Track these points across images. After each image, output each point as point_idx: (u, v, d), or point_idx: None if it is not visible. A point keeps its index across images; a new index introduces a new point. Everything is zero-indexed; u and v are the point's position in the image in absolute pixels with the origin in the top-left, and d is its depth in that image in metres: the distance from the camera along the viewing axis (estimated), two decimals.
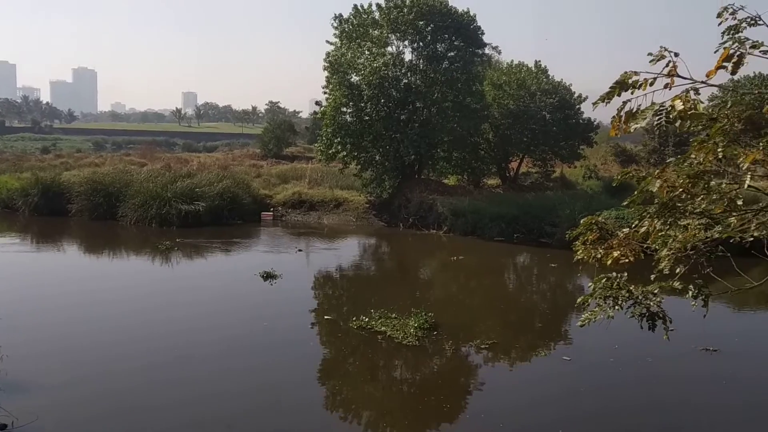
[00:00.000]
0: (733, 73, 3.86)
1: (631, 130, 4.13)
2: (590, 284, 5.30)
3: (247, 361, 13.42)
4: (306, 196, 35.70)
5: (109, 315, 16.53)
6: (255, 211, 33.80)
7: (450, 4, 34.30)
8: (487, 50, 37.38)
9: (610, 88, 4.03)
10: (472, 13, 34.81)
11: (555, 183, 38.88)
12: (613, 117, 4.17)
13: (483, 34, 35.35)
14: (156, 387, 11.95)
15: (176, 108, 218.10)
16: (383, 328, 14.75)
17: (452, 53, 34.22)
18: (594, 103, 4.12)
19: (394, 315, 15.41)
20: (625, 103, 3.98)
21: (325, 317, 16.79)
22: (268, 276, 20.08)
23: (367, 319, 15.28)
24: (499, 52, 46.21)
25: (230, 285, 20.52)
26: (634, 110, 3.97)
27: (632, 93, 3.92)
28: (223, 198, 32.27)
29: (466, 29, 34.35)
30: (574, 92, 38.21)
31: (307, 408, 11.32)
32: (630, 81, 3.88)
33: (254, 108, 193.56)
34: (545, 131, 36.73)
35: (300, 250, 26.17)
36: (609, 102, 4.21)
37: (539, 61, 38.93)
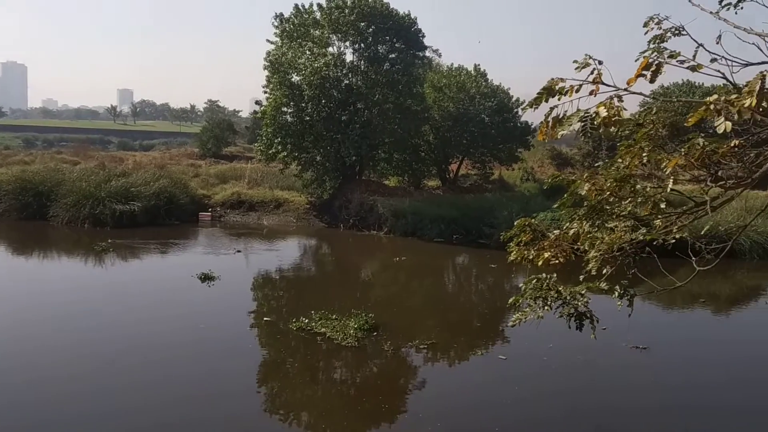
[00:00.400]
0: (652, 81, 4.02)
1: (558, 136, 4.25)
2: (522, 285, 5.43)
3: (182, 364, 13.13)
4: (245, 197, 35.29)
5: (32, 321, 15.89)
6: (193, 211, 33.20)
7: (391, 7, 34.49)
8: (427, 53, 37.74)
9: (538, 94, 4.15)
10: (413, 16, 35.09)
11: (493, 185, 39.58)
12: (541, 122, 4.29)
13: (423, 36, 35.72)
14: (79, 397, 11.46)
15: (111, 105, 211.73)
16: (323, 330, 14.70)
17: (393, 55, 34.43)
18: (522, 108, 4.23)
19: (334, 316, 15.37)
20: (552, 108, 4.10)
21: (265, 319, 16.61)
22: (205, 278, 19.73)
23: (307, 321, 15.19)
24: (440, 55, 46.62)
25: (166, 287, 20.06)
26: (561, 116, 4.09)
27: (559, 99, 4.04)
28: (160, 198, 31.56)
29: (407, 32, 34.61)
30: (512, 96, 39.04)
31: (246, 410, 11.17)
32: (557, 87, 3.99)
33: (193, 106, 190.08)
34: (484, 134, 37.36)
35: (239, 251, 25.83)
36: (537, 107, 4.32)
37: (478, 65, 39.66)
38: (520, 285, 5.54)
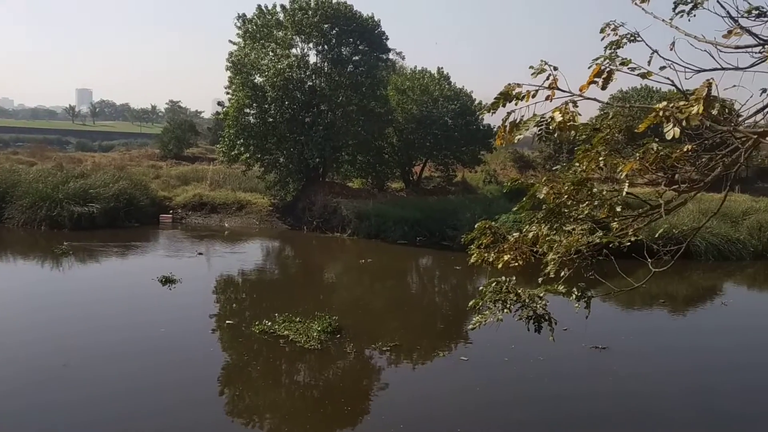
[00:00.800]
0: (603, 88, 4.11)
1: (515, 141, 4.31)
2: (482, 288, 5.48)
3: (142, 371, 12.88)
4: (207, 198, 34.90)
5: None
6: (153, 213, 32.70)
7: (355, 9, 34.50)
8: (391, 55, 37.87)
9: (495, 99, 4.20)
10: (376, 19, 35.15)
11: (456, 187, 39.86)
12: (499, 127, 4.34)
13: (387, 39, 35.81)
14: (29, 413, 11.05)
15: (70, 105, 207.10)
16: (286, 332, 14.64)
17: (357, 57, 34.45)
18: (480, 113, 4.27)
19: (298, 319, 15.31)
20: (509, 113, 4.16)
21: (227, 322, 16.45)
22: (167, 281, 19.47)
23: (270, 323, 15.11)
24: (403, 58, 47.01)
25: (126, 291, 19.72)
26: (518, 121, 4.15)
27: (516, 104, 4.09)
28: (120, 200, 31.02)
29: (370, 34, 34.66)
30: (475, 99, 39.34)
31: (209, 416, 11.05)
32: (513, 93, 4.05)
33: (154, 107, 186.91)
34: (447, 136, 37.60)
35: (200, 254, 25.54)
36: (495, 112, 4.38)
37: (441, 68, 39.89)
38: (480, 288, 5.59)
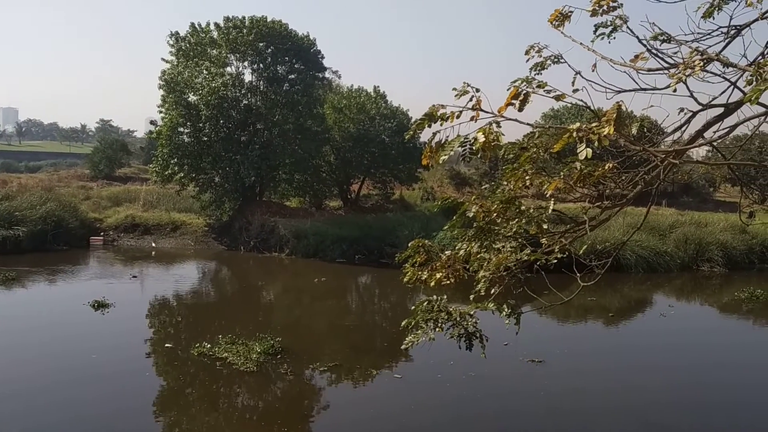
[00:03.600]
0: (520, 109, 4.23)
1: (440, 161, 4.37)
2: (413, 307, 5.50)
3: (74, 401, 12.42)
4: (140, 220, 34.07)
5: None
6: (83, 235, 31.72)
7: (290, 28, 34.46)
8: (327, 74, 37.94)
9: (420, 119, 4.26)
10: (312, 38, 35.20)
11: (395, 205, 40.09)
12: (424, 148, 4.40)
13: (323, 58, 35.92)
14: None
15: None
16: (225, 354, 14.38)
17: (293, 76, 34.40)
18: (406, 134, 4.31)
19: (241, 341, 15.05)
20: (434, 134, 4.22)
21: (166, 345, 16.02)
22: (99, 305, 18.84)
23: (210, 346, 14.81)
24: (339, 77, 46.98)
25: (55, 317, 18.96)
26: (443, 141, 4.22)
27: (441, 125, 4.16)
28: (47, 222, 29.98)
29: (306, 53, 34.69)
30: (411, 117, 39.75)
31: None
32: (438, 113, 4.12)
33: (83, 126, 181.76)
34: (385, 154, 37.84)
35: (134, 277, 24.84)
36: (420, 132, 4.44)
37: (378, 86, 40.18)
38: (412, 307, 5.62)
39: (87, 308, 18.66)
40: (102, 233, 32.73)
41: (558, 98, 4.38)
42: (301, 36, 34.74)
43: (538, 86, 4.30)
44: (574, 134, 3.80)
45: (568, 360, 16.02)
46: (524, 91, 4.16)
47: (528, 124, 4.19)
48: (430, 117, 4.11)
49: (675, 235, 29.10)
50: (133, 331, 17.65)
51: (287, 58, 34.16)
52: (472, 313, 5.18)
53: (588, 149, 3.77)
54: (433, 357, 14.38)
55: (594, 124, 3.83)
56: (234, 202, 34.23)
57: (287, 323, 19.14)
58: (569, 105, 34.00)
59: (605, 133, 3.72)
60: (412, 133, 4.51)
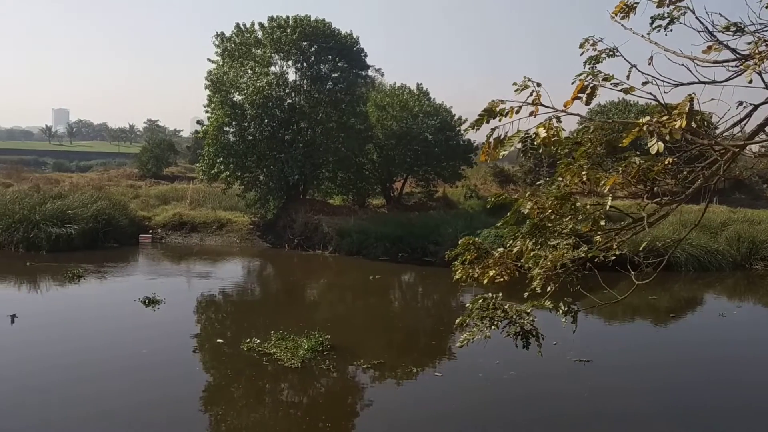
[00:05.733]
0: (588, 103, 4.13)
1: (500, 157, 4.31)
2: (468, 304, 5.44)
3: (125, 393, 12.69)
4: (187, 218, 34.59)
5: None
6: (133, 233, 32.30)
7: (333, 26, 34.63)
8: (370, 72, 37.98)
9: (479, 115, 4.20)
10: (355, 36, 35.30)
11: (438, 202, 39.94)
12: (483, 143, 4.34)
13: (366, 56, 35.95)
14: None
15: (46, 125, 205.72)
16: (273, 350, 14.53)
17: (336, 74, 34.53)
18: (464, 130, 4.26)
19: (290, 337, 15.19)
20: (493, 130, 4.15)
21: (218, 340, 16.27)
22: (149, 302, 19.22)
23: (258, 341, 15.00)
24: (382, 74, 47.04)
25: (108, 312, 19.43)
26: (502, 137, 4.15)
27: (500, 120, 4.10)
28: (98, 220, 30.62)
29: (349, 51, 34.77)
30: (455, 114, 39.56)
31: None
32: (497, 109, 4.05)
33: (132, 126, 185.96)
34: (427, 152, 37.71)
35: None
36: (478, 129, 4.38)
37: (421, 84, 40.07)
38: (467, 304, 5.56)
39: (138, 304, 19.05)
40: (150, 231, 33.37)
41: (626, 91, 4.27)
42: (344, 34, 34.85)
43: (605, 79, 4.20)
44: (644, 128, 3.69)
45: (616, 360, 15.72)
46: (591, 84, 4.06)
47: (589, 118, 4.08)
48: (490, 112, 4.05)
49: (727, 233, 28.29)
50: (182, 326, 17.96)
51: (330, 57, 34.30)
52: (528, 310, 5.11)
53: (659, 143, 3.66)
54: (476, 356, 14.28)
55: (665, 117, 3.71)
56: (278, 201, 34.55)
57: (331, 320, 19.21)
58: (616, 101, 33.12)
59: (677, 126, 3.60)
60: (469, 128, 4.45)
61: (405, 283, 26.71)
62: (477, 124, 4.29)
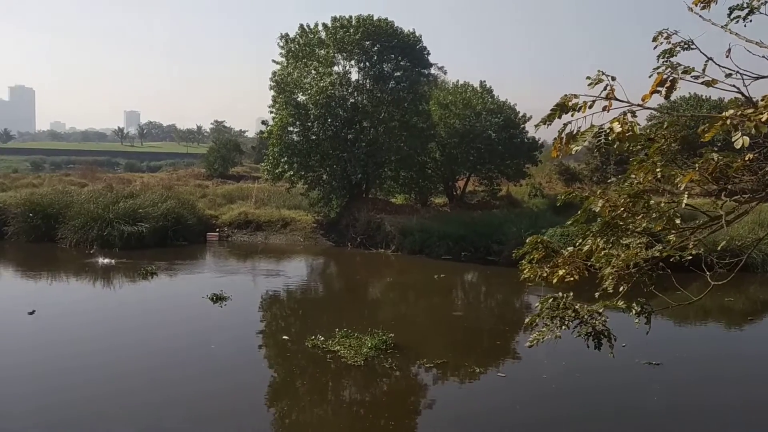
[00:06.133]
0: (667, 97, 3.98)
1: (572, 152, 4.20)
2: (537, 304, 5.35)
3: (192, 387, 13.10)
4: (252, 216, 35.27)
5: (44, 343, 15.94)
6: (200, 231, 33.17)
7: (396, 25, 34.66)
8: (432, 70, 37.84)
9: (551, 110, 4.10)
10: (417, 34, 35.25)
11: (501, 201, 39.47)
12: (555, 139, 4.24)
13: (429, 54, 35.84)
14: (90, 418, 11.47)
15: (118, 127, 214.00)
16: (337, 348, 14.67)
17: (398, 73, 34.53)
18: (536, 126, 4.18)
19: (355, 335, 15.31)
20: (565, 125, 4.05)
21: (283, 337, 16.53)
22: (217, 298, 19.71)
23: (323, 338, 15.17)
24: (445, 72, 46.83)
25: (178, 308, 20.08)
26: (575, 132, 4.04)
27: (572, 115, 3.99)
28: (168, 219, 31.57)
29: (412, 50, 34.74)
30: (519, 112, 39.00)
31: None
32: (570, 104, 3.95)
33: (199, 127, 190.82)
34: (491, 150, 37.30)
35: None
36: (550, 124, 4.28)
37: (484, 81, 39.68)
38: (532, 302, 5.47)
39: (206, 301, 19.55)
40: (217, 229, 34.17)
41: (708, 84, 4.10)
42: (406, 33, 34.85)
43: (684, 72, 4.05)
44: (728, 121, 3.53)
45: (687, 364, 15.20)
46: (670, 78, 3.92)
47: (661, 111, 3.94)
48: (562, 107, 3.96)
49: None
50: (248, 323, 18.35)
51: (393, 56, 34.35)
52: (600, 310, 4.97)
53: (745, 137, 3.49)
54: (540, 357, 14.08)
55: (749, 110, 3.55)
56: (341, 199, 34.85)
57: (394, 319, 19.24)
58: (687, 96, 31.89)
59: (764, 119, 3.43)
60: (541, 124, 4.37)
61: (468, 283, 26.52)
62: (549, 119, 4.20)
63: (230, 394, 12.71)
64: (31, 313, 17.80)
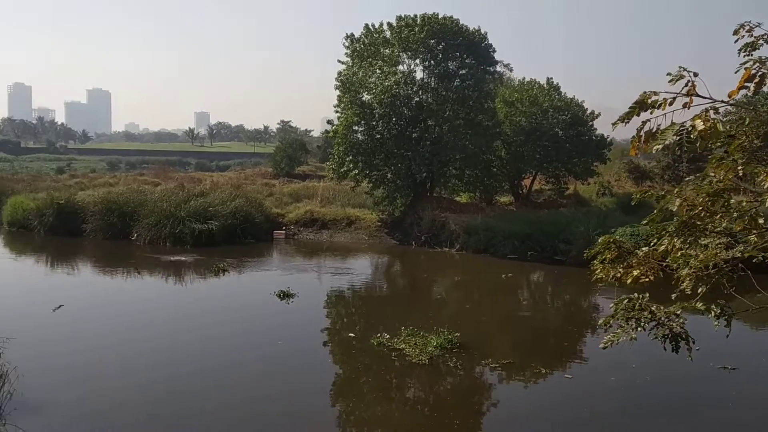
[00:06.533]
0: (756, 92, 3.83)
1: (653, 151, 4.09)
2: (611, 305, 5.23)
3: (260, 379, 13.44)
4: (318, 215, 35.73)
5: (121, 332, 16.59)
6: (267, 229, 33.85)
7: (461, 23, 34.46)
8: (498, 67, 37.44)
9: (630, 108, 4.00)
10: (483, 31, 34.96)
11: (568, 200, 38.76)
12: (633, 137, 4.13)
13: (494, 51, 35.52)
14: (158, 417, 11.87)
15: (189, 128, 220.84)
16: (402, 346, 14.72)
17: (464, 71, 34.35)
18: (613, 124, 4.07)
19: (421, 333, 15.34)
20: (644, 122, 3.94)
21: (349, 334, 16.72)
22: (284, 295, 20.08)
23: (388, 336, 15.27)
24: (511, 70, 46.42)
25: (247, 304, 20.53)
26: (654, 130, 3.93)
27: (651, 113, 3.88)
28: (236, 217, 32.32)
29: (477, 47, 34.50)
30: (587, 109, 38.18)
31: (321, 426, 11.27)
32: (649, 101, 3.84)
33: (266, 127, 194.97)
34: (558, 148, 36.67)
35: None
36: (628, 122, 4.17)
37: (551, 78, 38.98)
38: (600, 303, 5.37)
39: (274, 298, 19.94)
40: (284, 227, 34.76)
41: None
42: (472, 30, 34.62)
43: None
44: None
45: (766, 370, 14.58)
46: (759, 73, 3.78)
47: (751, 107, 3.80)
48: (641, 104, 3.86)
49: None
50: (315, 319, 18.64)
51: (458, 54, 34.18)
52: (678, 312, 4.83)
53: None
54: (609, 358, 13.74)
55: None
56: (405, 198, 34.91)
57: (459, 318, 19.13)
58: (766, 91, 30.61)
59: None
60: (619, 122, 4.27)
61: (534, 282, 26.15)
62: (627, 117, 4.09)
63: (295, 389, 12.91)
64: (57, 308, 18.11)
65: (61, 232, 32.86)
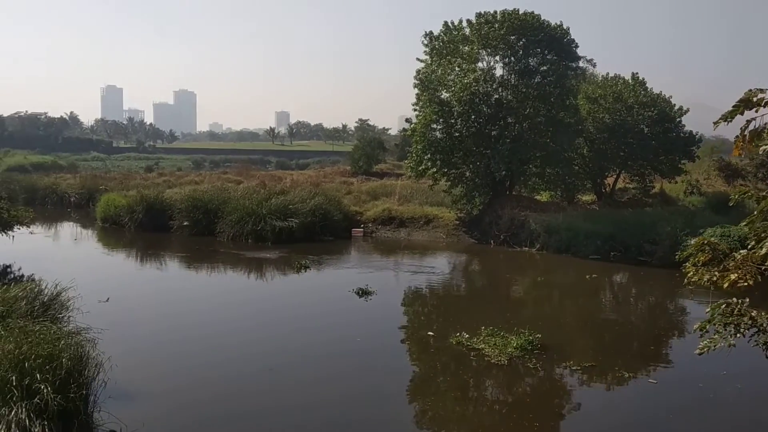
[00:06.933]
0: None
1: (760, 152, 3.88)
2: (707, 309, 5.01)
3: (338, 375, 13.62)
4: (396, 213, 35.84)
5: (208, 324, 17.18)
6: (346, 227, 34.21)
7: (543, 18, 33.78)
8: (581, 63, 36.49)
9: (734, 106, 3.79)
10: (565, 26, 34.16)
11: (654, 199, 37.46)
12: (737, 137, 3.93)
13: (577, 47, 34.63)
14: (239, 413, 12.16)
15: (270, 127, 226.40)
16: (481, 346, 14.60)
17: (545, 67, 33.65)
18: (715, 123, 3.88)
19: (501, 334, 15.19)
20: (749, 121, 3.75)
21: (428, 333, 16.69)
22: (363, 293, 20.29)
23: (467, 336, 15.18)
24: (594, 65, 45.03)
25: (327, 301, 20.87)
26: (760, 129, 3.73)
27: (757, 111, 3.68)
28: (315, 214, 32.80)
29: (558, 43, 33.72)
30: (675, 104, 36.74)
31: (399, 426, 11.32)
32: (755, 99, 3.64)
33: (344, 126, 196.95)
34: (643, 145, 35.47)
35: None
36: (731, 120, 3.97)
37: (636, 73, 37.70)
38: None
39: (352, 295, 20.16)
40: (362, 225, 35.04)
41: None
42: (553, 26, 33.88)
43: None
44: None
45: None
46: None
47: None
48: (746, 102, 3.67)
49: None
50: (393, 317, 18.73)
51: (539, 50, 33.50)
52: None
53: None
54: (697, 364, 13.16)
55: None
56: (484, 196, 34.55)
57: (540, 318, 18.78)
58: None
59: None
60: (722, 121, 4.07)
61: (618, 284, 25.38)
62: (731, 116, 3.89)
63: (373, 386, 13.04)
64: (105, 301, 18.46)
65: (150, 228, 34.26)
